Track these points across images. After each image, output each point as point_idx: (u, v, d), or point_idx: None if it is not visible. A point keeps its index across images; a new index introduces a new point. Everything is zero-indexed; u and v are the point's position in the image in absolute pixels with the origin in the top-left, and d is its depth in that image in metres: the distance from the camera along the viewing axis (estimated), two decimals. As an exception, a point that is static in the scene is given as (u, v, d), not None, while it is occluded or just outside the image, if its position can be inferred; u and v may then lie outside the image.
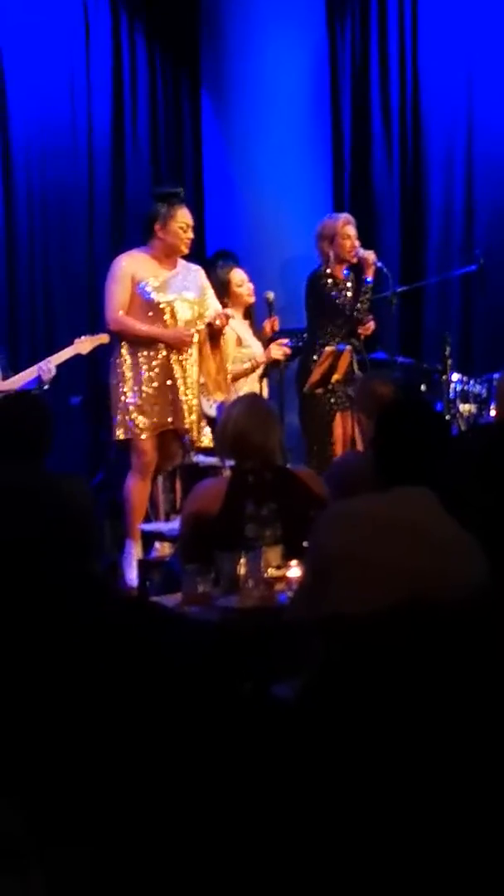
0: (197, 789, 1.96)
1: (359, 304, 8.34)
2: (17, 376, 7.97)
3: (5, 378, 7.95)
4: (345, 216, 8.58)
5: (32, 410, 4.90)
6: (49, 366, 7.96)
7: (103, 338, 7.94)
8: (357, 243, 8.41)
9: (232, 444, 5.06)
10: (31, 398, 6.02)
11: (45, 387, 7.93)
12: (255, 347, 8.15)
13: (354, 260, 8.37)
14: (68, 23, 9.80)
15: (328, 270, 8.40)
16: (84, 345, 8.13)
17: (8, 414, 4.91)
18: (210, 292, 7.79)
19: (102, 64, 10.06)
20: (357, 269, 8.46)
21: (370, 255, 8.35)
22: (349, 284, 8.44)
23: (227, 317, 7.72)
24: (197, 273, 7.72)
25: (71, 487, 4.72)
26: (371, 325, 8.45)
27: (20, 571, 3.24)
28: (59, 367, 8.07)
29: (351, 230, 8.43)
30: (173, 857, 1.93)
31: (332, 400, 8.20)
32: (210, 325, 7.64)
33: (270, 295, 8.08)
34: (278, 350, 8.02)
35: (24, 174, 9.57)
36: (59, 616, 2.17)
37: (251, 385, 8.11)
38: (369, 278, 8.39)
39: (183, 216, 7.56)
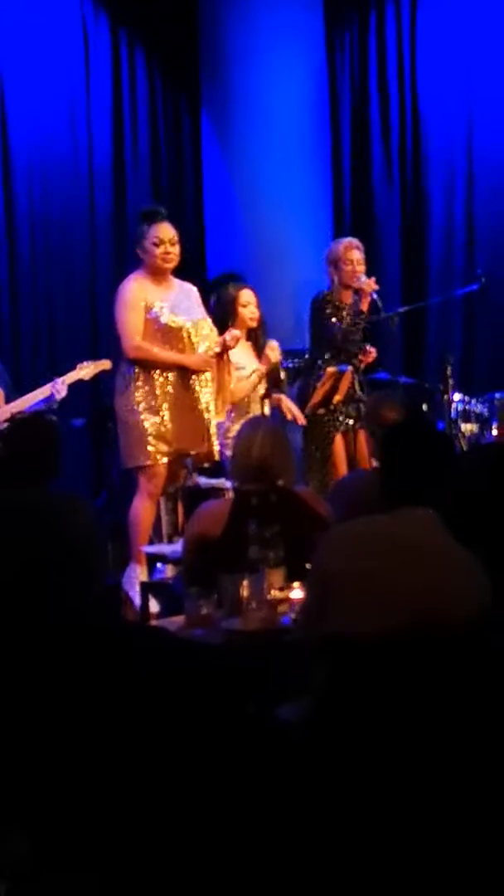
0: (202, 811, 1.96)
1: (351, 334, 8.26)
2: (27, 396, 7.95)
3: (8, 400, 7.94)
4: (347, 241, 8.48)
5: (42, 434, 4.92)
6: (60, 385, 7.95)
7: (105, 364, 7.91)
8: (359, 268, 8.33)
9: (255, 469, 5.03)
10: (41, 422, 6.03)
11: (56, 406, 7.92)
12: (249, 370, 8.11)
13: (356, 286, 8.31)
14: (68, 44, 9.82)
15: (330, 295, 8.35)
16: (87, 370, 8.11)
17: (18, 436, 4.94)
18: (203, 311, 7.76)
19: (102, 84, 10.09)
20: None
21: (366, 285, 8.24)
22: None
23: (237, 338, 7.69)
24: (191, 292, 7.67)
25: (75, 508, 4.74)
26: (371, 354, 8.36)
27: (24, 591, 3.24)
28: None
29: (354, 255, 8.34)
30: (180, 877, 1.93)
31: (334, 421, 8.18)
32: (222, 344, 7.61)
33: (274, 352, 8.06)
34: (273, 352, 8.00)
35: (26, 195, 9.57)
36: (63, 639, 2.17)
37: (253, 406, 8.09)
38: (365, 309, 8.29)
39: (157, 230, 7.45)
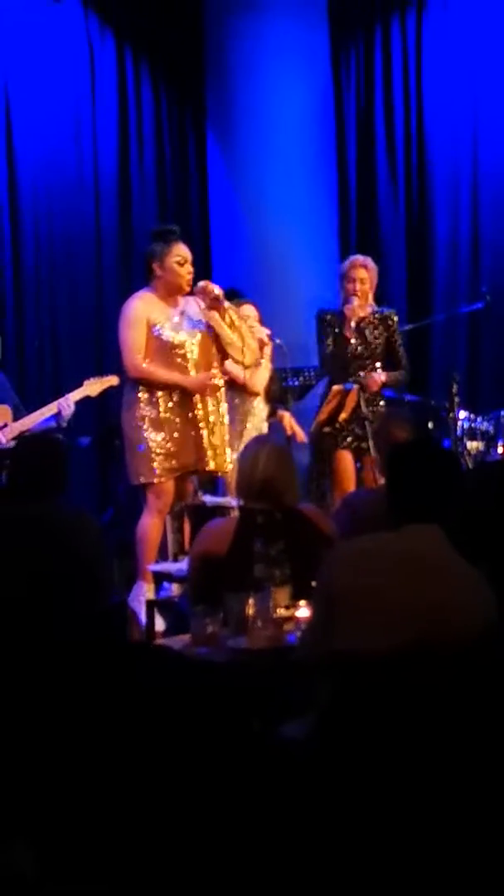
0: (207, 827, 1.95)
1: (342, 359, 8.19)
2: (35, 413, 7.95)
3: (17, 418, 7.94)
4: (353, 259, 8.35)
5: (49, 451, 4.95)
6: (68, 402, 7.95)
7: (112, 380, 7.91)
8: (361, 288, 8.19)
9: (259, 488, 5.03)
10: (48, 439, 6.04)
11: (64, 424, 7.92)
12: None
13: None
14: (74, 61, 9.86)
15: (328, 313, 8.27)
16: (94, 387, 8.11)
17: (26, 453, 4.97)
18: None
19: (108, 101, 10.12)
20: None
21: (349, 310, 8.06)
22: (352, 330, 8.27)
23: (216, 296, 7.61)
24: (193, 302, 7.65)
25: (82, 524, 4.75)
26: (374, 382, 8.20)
27: (31, 604, 3.24)
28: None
29: (357, 273, 8.21)
30: (186, 891, 1.92)
31: (340, 438, 8.15)
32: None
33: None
34: (258, 332, 8.00)
35: (31, 211, 9.59)
36: (68, 655, 2.17)
37: (257, 423, 8.09)
38: (348, 335, 8.10)
39: (179, 250, 7.49)
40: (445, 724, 2.36)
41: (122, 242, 10.16)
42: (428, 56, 10.20)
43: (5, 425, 8.05)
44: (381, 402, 8.16)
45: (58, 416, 7.89)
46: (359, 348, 8.15)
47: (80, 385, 8.13)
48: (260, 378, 8.14)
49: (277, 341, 8.25)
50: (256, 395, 8.17)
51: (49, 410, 7.91)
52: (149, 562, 7.30)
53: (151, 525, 7.42)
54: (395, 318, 8.32)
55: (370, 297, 8.26)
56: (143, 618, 6.81)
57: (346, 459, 8.14)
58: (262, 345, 8.10)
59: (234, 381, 7.90)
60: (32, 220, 9.61)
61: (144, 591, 7.15)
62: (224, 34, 10.26)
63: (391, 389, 8.28)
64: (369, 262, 8.33)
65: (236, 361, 7.65)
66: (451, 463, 3.80)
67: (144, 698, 2.02)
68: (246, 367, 7.75)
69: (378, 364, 8.16)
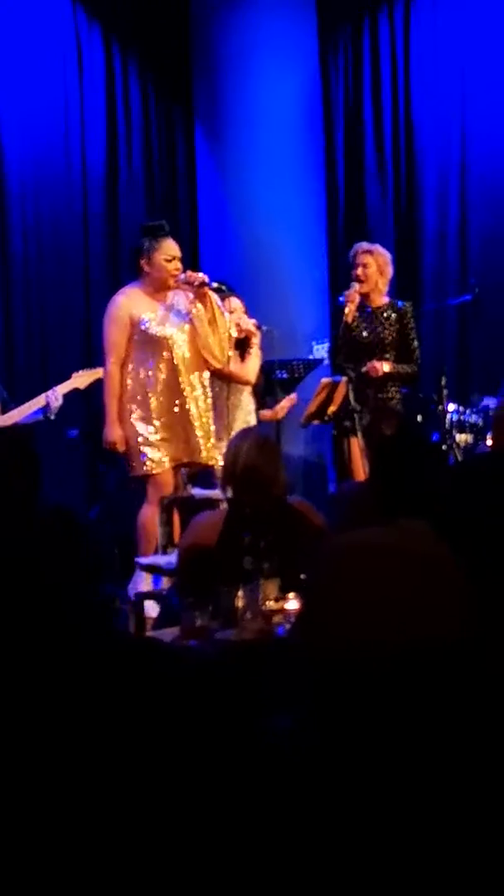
0: (197, 821, 1.96)
1: (346, 344, 8.20)
2: (23, 406, 7.97)
3: (4, 411, 7.94)
4: (357, 246, 8.33)
5: (16, 448, 4.89)
6: (56, 394, 7.97)
7: (99, 372, 7.93)
8: (363, 272, 8.19)
9: (241, 478, 5.04)
10: (15, 435, 6.00)
11: (52, 416, 7.93)
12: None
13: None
14: (61, 55, 9.85)
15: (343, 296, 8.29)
16: (82, 379, 8.13)
17: None
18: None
19: (96, 96, 10.11)
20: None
21: (348, 295, 8.10)
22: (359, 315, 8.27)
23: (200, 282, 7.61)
24: (182, 295, 7.65)
25: (66, 519, 4.73)
26: (376, 370, 8.19)
27: (18, 602, 3.23)
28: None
29: (361, 258, 8.17)
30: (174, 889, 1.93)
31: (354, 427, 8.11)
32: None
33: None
34: (245, 323, 8.01)
35: (19, 207, 9.59)
36: (57, 650, 2.17)
37: (245, 416, 8.09)
38: (349, 320, 8.10)
39: (167, 248, 7.50)
40: (434, 720, 2.37)
41: (111, 238, 10.16)
42: (416, 50, 10.19)
43: None
44: (394, 389, 8.14)
45: (45, 408, 7.91)
46: (367, 337, 8.16)
47: (68, 378, 8.15)
48: (251, 367, 8.14)
49: (265, 328, 8.26)
50: (248, 384, 8.16)
51: (37, 403, 7.93)
52: (150, 553, 7.31)
53: (152, 516, 7.44)
54: (411, 312, 8.33)
55: (379, 284, 8.27)
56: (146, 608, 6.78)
57: (357, 447, 8.10)
58: (250, 335, 8.10)
59: (220, 372, 7.89)
60: (20, 214, 9.60)
61: (144, 582, 7.14)
62: (212, 28, 10.26)
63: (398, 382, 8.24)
64: (376, 248, 8.34)
65: (210, 363, 7.63)
66: (436, 456, 3.81)
67: (134, 691, 2.02)
68: (218, 368, 7.75)
69: (387, 355, 8.16)
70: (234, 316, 8.03)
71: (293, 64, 10.16)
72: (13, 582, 2.23)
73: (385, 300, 8.24)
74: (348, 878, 2.08)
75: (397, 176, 10.29)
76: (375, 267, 8.23)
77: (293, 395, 8.53)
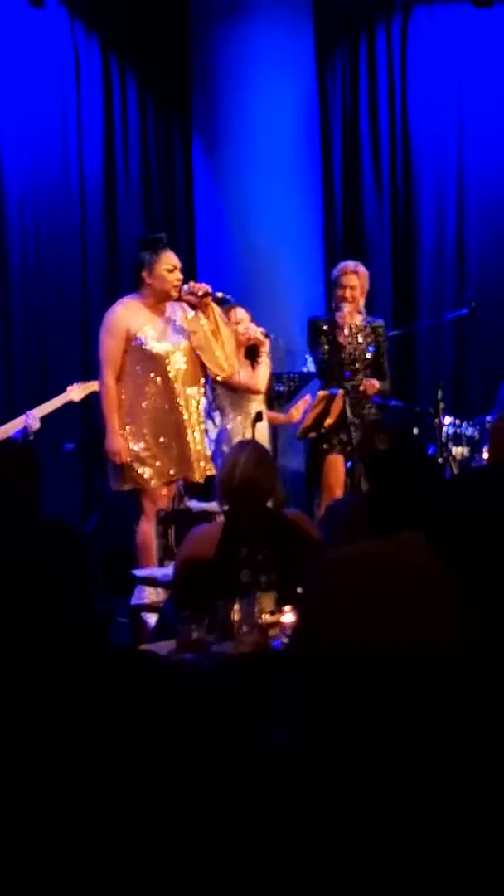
0: (193, 835, 1.96)
1: (332, 364, 8.24)
2: (5, 426, 7.99)
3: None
4: (344, 265, 8.37)
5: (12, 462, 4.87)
6: (33, 417, 7.97)
7: (95, 385, 7.94)
8: (350, 294, 8.24)
9: (238, 491, 5.03)
10: (17, 450, 6.01)
11: (31, 437, 7.94)
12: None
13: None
14: (59, 68, 9.86)
15: (321, 320, 8.33)
16: (76, 392, 8.15)
17: None
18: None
19: (94, 108, 10.11)
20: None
21: (340, 317, 8.16)
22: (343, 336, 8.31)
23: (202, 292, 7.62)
24: (178, 308, 7.65)
25: (63, 534, 4.73)
26: (372, 386, 8.26)
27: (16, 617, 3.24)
28: (53, 412, 8.09)
29: (348, 279, 8.24)
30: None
31: (325, 444, 8.17)
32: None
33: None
34: (252, 331, 8.02)
35: (17, 218, 9.59)
36: (54, 665, 2.18)
37: (246, 424, 8.09)
38: (340, 340, 8.19)
39: (168, 259, 7.51)
40: (430, 732, 2.37)
41: (109, 250, 10.16)
42: (413, 63, 10.22)
43: None
44: (371, 408, 8.20)
45: (24, 429, 7.94)
46: (351, 355, 8.21)
47: (64, 389, 8.17)
48: (262, 376, 8.11)
49: (273, 336, 8.26)
50: (258, 392, 8.14)
51: (18, 424, 7.96)
52: (150, 566, 7.30)
53: (151, 531, 7.44)
54: (383, 329, 8.37)
55: (361, 303, 8.31)
56: (150, 622, 6.78)
57: (338, 463, 8.17)
58: (258, 344, 8.09)
59: (231, 383, 7.90)
60: (18, 225, 9.61)
61: (146, 596, 7.13)
62: (210, 41, 10.28)
63: (374, 397, 8.31)
64: (360, 267, 8.36)
65: (213, 376, 7.64)
66: (431, 470, 3.81)
67: (130, 704, 2.03)
68: (223, 380, 7.76)
69: (367, 371, 8.22)
70: (241, 326, 8.02)
71: (291, 77, 10.17)
72: (12, 593, 2.23)
73: (362, 318, 8.28)
74: (346, 890, 2.08)
75: (394, 188, 10.32)
76: (360, 286, 8.28)
77: (307, 396, 8.51)
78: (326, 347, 8.20)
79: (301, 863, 2.10)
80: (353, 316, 8.21)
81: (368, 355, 8.24)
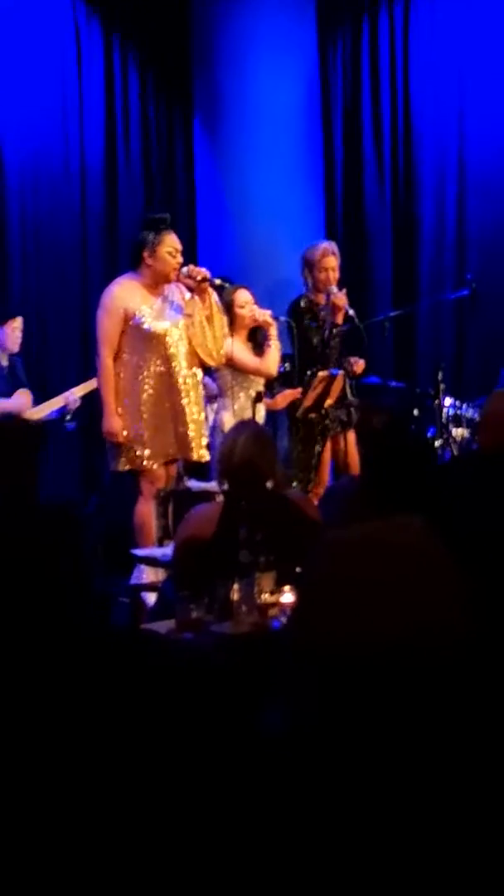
0: (190, 814, 1.97)
1: (328, 347, 8.28)
2: (45, 404, 8.13)
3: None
4: (324, 246, 8.43)
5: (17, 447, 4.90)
6: (74, 396, 8.11)
7: (92, 384, 8.08)
8: (333, 275, 8.30)
9: (238, 471, 5.03)
10: (16, 430, 6.04)
11: (69, 417, 8.07)
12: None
13: (329, 299, 8.27)
14: (60, 51, 9.85)
15: (304, 299, 8.37)
16: (77, 391, 8.33)
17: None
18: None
19: (95, 89, 10.10)
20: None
21: (339, 300, 8.21)
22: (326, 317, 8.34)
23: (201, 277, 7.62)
24: (175, 289, 7.65)
25: (60, 513, 4.73)
26: (360, 365, 8.35)
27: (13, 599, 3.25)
28: (92, 392, 8.23)
29: (330, 261, 8.30)
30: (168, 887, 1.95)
31: (324, 425, 8.19)
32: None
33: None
34: (261, 314, 8.02)
35: (18, 202, 9.59)
36: (54, 646, 2.19)
37: (245, 405, 8.09)
38: (340, 322, 8.25)
39: (171, 241, 7.50)
40: (427, 713, 2.38)
41: (109, 232, 10.16)
42: (415, 48, 10.20)
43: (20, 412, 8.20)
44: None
45: (63, 408, 8.09)
46: (336, 338, 8.27)
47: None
48: (272, 360, 8.09)
49: (283, 319, 8.26)
50: (270, 377, 8.13)
51: (57, 403, 8.12)
52: (148, 547, 7.31)
53: (148, 511, 7.44)
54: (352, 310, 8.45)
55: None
56: (149, 601, 6.80)
57: (329, 446, 8.22)
58: (267, 326, 8.08)
59: (246, 368, 7.92)
60: (19, 209, 9.61)
61: (146, 576, 7.14)
62: (212, 23, 10.26)
63: (373, 376, 8.36)
64: (336, 247, 8.43)
65: (203, 363, 7.63)
66: (424, 450, 3.81)
67: (128, 683, 2.04)
68: (213, 367, 7.76)
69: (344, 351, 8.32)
70: (246, 308, 8.01)
71: (292, 60, 10.16)
72: (11, 574, 2.24)
73: (344, 294, 8.34)
74: (345, 874, 2.09)
75: (395, 172, 10.30)
76: (338, 267, 8.33)
77: (296, 390, 8.52)
78: (316, 330, 8.24)
79: (298, 841, 2.11)
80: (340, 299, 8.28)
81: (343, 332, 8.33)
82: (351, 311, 8.19)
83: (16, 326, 8.57)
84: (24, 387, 8.36)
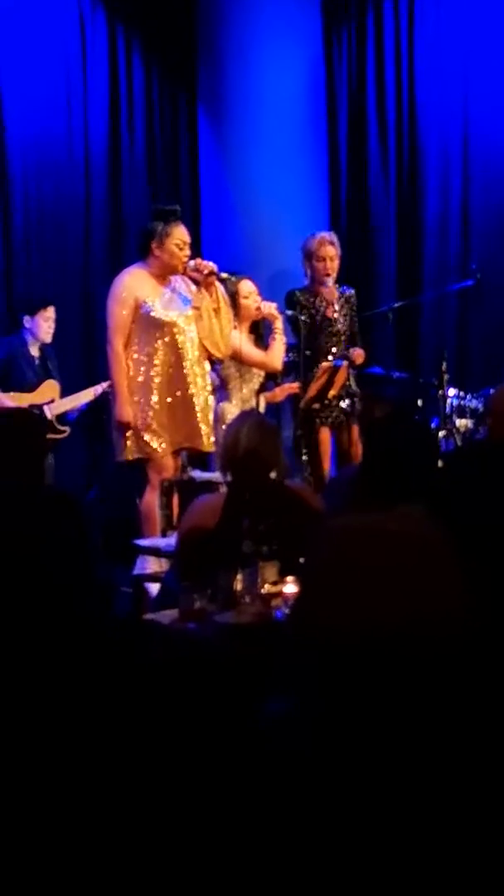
0: (191, 805, 1.97)
1: (328, 326, 8.30)
2: (76, 395, 8.21)
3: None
4: (321, 236, 8.44)
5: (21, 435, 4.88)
6: (103, 389, 8.23)
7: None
8: (331, 264, 8.28)
9: (241, 461, 5.03)
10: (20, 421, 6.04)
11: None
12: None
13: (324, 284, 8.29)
14: (65, 39, 9.83)
15: (299, 293, 8.36)
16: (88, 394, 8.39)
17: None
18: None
19: (99, 80, 10.09)
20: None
21: (328, 293, 8.25)
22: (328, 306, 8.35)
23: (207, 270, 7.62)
24: (181, 280, 7.65)
25: (64, 504, 4.72)
26: (359, 356, 8.34)
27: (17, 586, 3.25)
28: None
29: (327, 251, 8.30)
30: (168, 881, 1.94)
31: (327, 415, 8.19)
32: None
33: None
34: (266, 307, 8.02)
35: (21, 189, 9.58)
36: (56, 635, 2.18)
37: (248, 397, 8.09)
38: (329, 316, 8.28)
39: (180, 234, 7.50)
40: (429, 703, 2.37)
41: (113, 221, 10.15)
42: (420, 35, 10.17)
43: (52, 401, 8.22)
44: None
45: (91, 402, 8.20)
46: (334, 327, 8.26)
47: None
48: (278, 353, 8.09)
49: (289, 312, 8.25)
50: (275, 370, 8.13)
51: (87, 395, 8.20)
52: (154, 536, 7.31)
53: (155, 501, 7.45)
54: (355, 299, 8.43)
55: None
56: (153, 591, 6.80)
57: (329, 437, 8.23)
58: (272, 319, 8.08)
59: (252, 362, 7.92)
60: (22, 197, 9.60)
61: (149, 566, 7.14)
62: (216, 11, 10.24)
63: (377, 367, 8.37)
64: (335, 237, 8.42)
65: (209, 356, 7.63)
66: (426, 439, 3.80)
67: (131, 673, 2.03)
68: (219, 360, 7.76)
69: (344, 340, 8.31)
70: (250, 300, 8.00)
71: (297, 48, 10.13)
72: (13, 562, 2.23)
73: (335, 287, 8.33)
74: (347, 868, 2.08)
75: (399, 161, 10.29)
76: (337, 256, 8.32)
77: (295, 384, 8.50)
78: (308, 319, 8.24)
79: (300, 829, 2.11)
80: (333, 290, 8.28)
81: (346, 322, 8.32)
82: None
83: (48, 316, 8.59)
84: (54, 378, 8.39)
